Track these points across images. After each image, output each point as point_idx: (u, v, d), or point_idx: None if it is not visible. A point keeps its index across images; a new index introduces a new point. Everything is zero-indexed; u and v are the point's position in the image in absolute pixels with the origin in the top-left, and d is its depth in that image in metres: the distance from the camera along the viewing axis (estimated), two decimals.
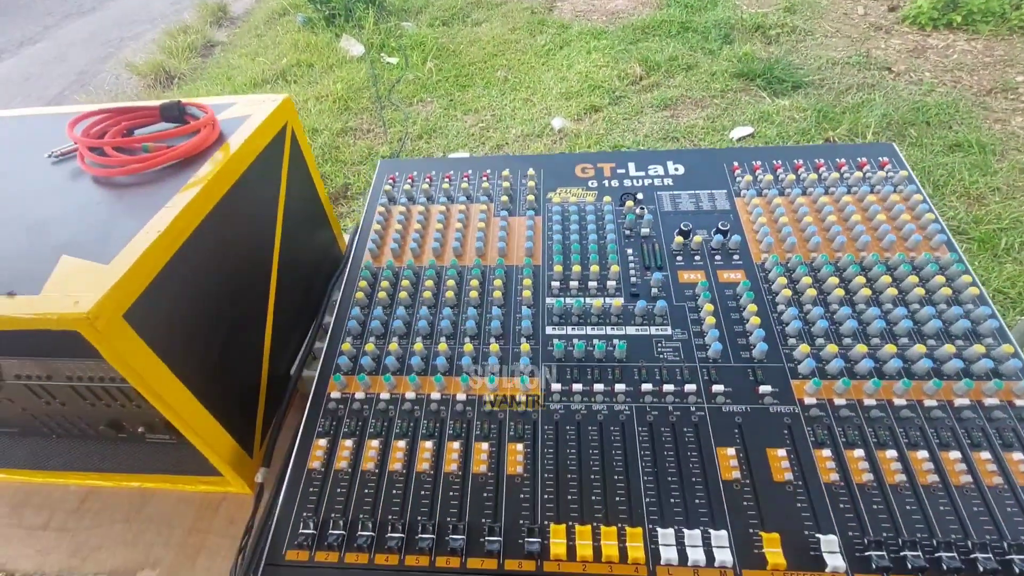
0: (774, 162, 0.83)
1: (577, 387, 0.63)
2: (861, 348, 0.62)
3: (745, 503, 0.54)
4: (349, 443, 0.63)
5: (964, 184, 2.14)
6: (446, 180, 0.89)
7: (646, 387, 0.62)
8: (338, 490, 0.60)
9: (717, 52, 2.99)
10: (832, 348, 0.62)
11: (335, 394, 0.67)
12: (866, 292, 0.66)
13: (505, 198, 0.84)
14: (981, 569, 0.49)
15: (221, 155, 0.70)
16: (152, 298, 0.56)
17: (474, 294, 0.73)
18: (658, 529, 0.53)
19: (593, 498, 0.56)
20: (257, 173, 0.75)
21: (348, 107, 3.01)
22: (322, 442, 0.63)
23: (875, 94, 2.61)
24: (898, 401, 0.59)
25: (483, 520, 0.56)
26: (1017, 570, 0.49)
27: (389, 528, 0.56)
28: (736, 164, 0.84)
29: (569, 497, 0.56)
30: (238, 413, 0.71)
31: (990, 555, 0.50)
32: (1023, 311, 1.72)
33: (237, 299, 0.72)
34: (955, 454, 0.56)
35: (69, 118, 0.78)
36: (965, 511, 0.53)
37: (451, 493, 0.58)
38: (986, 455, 0.55)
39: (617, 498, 0.56)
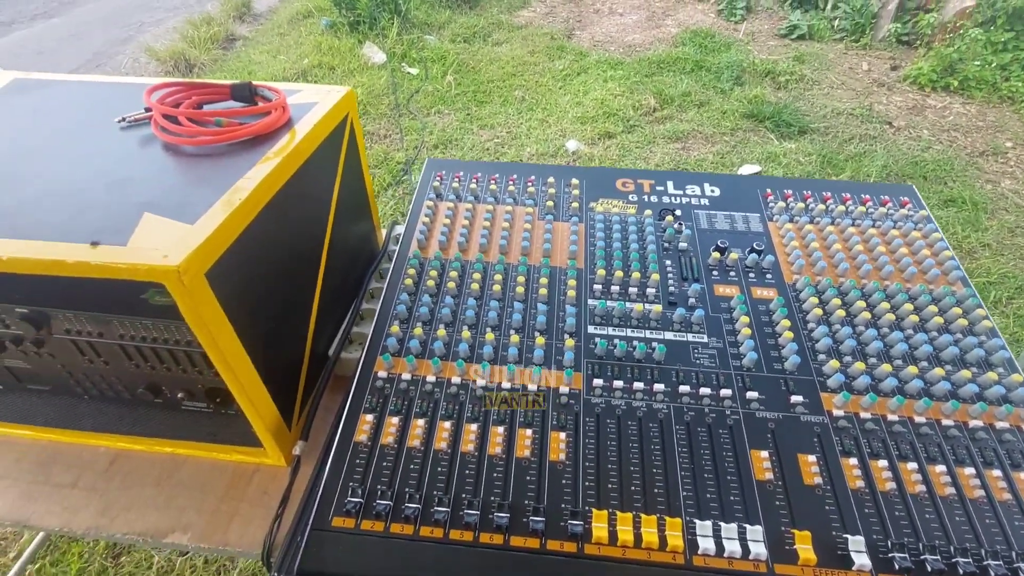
0: (804, 192, 0.89)
1: (618, 384, 0.67)
2: (886, 367, 0.66)
3: (778, 502, 0.58)
4: (395, 420, 0.65)
5: (957, 238, 2.24)
6: (492, 182, 0.93)
7: (683, 389, 0.66)
8: (384, 464, 0.62)
9: (728, 92, 3.11)
10: (860, 365, 0.67)
11: (382, 373, 0.69)
12: (890, 317, 0.71)
13: (550, 203, 0.88)
14: (993, 575, 0.53)
15: (290, 137, 0.74)
16: (229, 262, 0.59)
17: (520, 290, 0.76)
18: (696, 521, 0.56)
19: (632, 488, 0.59)
20: (319, 158, 0.78)
21: (367, 112, 3.06)
22: (369, 417, 0.65)
23: (876, 145, 2.73)
24: (918, 419, 0.63)
25: (526, 501, 0.58)
26: None
27: (435, 502, 0.58)
28: (769, 191, 0.89)
29: (610, 485, 0.59)
30: (283, 386, 0.73)
31: (1000, 562, 0.53)
32: None
33: (292, 276, 0.74)
34: (969, 470, 0.60)
35: (128, 89, 0.81)
36: (978, 522, 0.56)
37: (495, 474, 0.60)
38: (997, 472, 0.60)
39: (656, 489, 0.59)
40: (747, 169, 2.54)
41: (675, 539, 0.55)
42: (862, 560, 0.53)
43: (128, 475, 0.75)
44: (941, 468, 0.60)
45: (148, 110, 0.75)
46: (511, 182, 0.92)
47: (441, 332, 0.72)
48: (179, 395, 0.74)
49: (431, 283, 0.78)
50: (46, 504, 0.73)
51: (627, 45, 3.70)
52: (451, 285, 0.77)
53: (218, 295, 0.57)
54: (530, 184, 0.92)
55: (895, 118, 2.95)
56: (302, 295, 0.78)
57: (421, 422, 0.65)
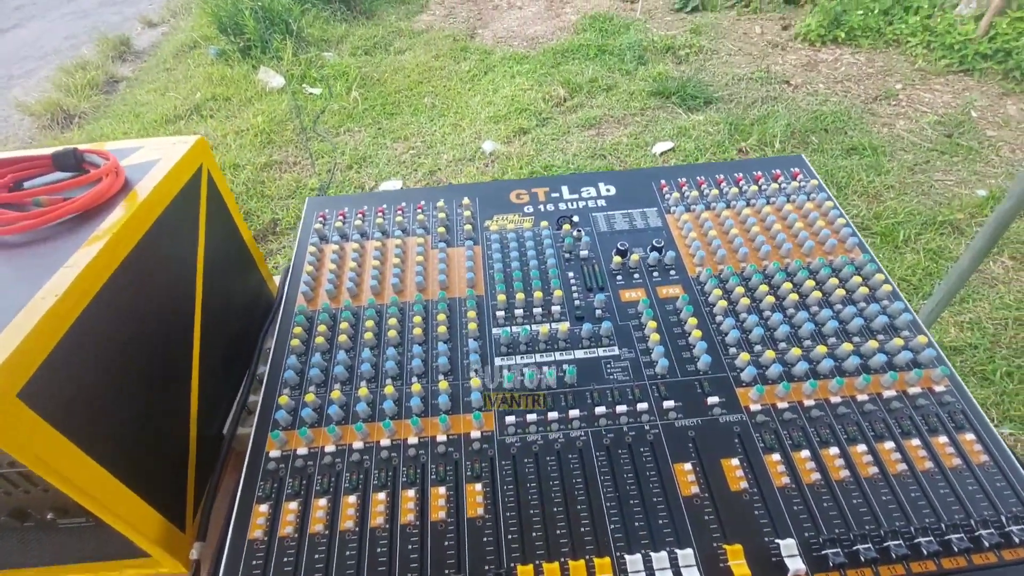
0: (698, 178, 0.87)
1: (531, 417, 0.62)
2: (796, 351, 0.65)
3: (707, 517, 0.55)
4: (293, 505, 0.58)
5: (863, 184, 2.34)
6: (379, 215, 0.86)
7: (600, 410, 0.62)
8: (285, 559, 0.55)
9: (633, 72, 3.14)
10: (770, 354, 0.65)
11: (274, 452, 0.62)
12: (794, 297, 0.70)
13: (442, 229, 0.82)
14: (925, 552, 0.52)
15: (127, 205, 0.65)
16: (52, 372, 0.50)
17: (418, 331, 0.70)
18: (626, 556, 0.52)
19: (558, 532, 0.55)
20: (171, 222, 0.70)
21: (271, 140, 2.91)
22: (263, 508, 0.58)
23: (778, 106, 2.82)
24: (834, 399, 0.62)
25: (446, 572, 0.53)
26: (956, 548, 0.52)
27: None
28: (664, 182, 0.87)
29: (534, 534, 0.55)
30: (165, 484, 0.65)
31: (931, 538, 0.52)
32: (925, 296, 1.88)
33: (155, 359, 0.66)
34: (889, 444, 0.59)
35: None
36: (904, 497, 0.55)
37: (410, 546, 0.55)
38: (915, 442, 0.59)
39: (582, 528, 0.55)
40: (660, 147, 2.57)
41: None
42: (796, 565, 0.51)
43: None
44: (862, 447, 0.59)
45: None
46: (399, 212, 0.86)
47: (336, 394, 0.66)
48: (49, 515, 0.64)
49: (321, 339, 0.71)
50: None
51: (530, 38, 3.68)
52: (343, 338, 0.71)
53: (43, 413, 0.49)
54: (419, 211, 0.86)
55: (792, 76, 3.06)
56: (176, 375, 0.69)
57: (323, 502, 0.58)
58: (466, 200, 0.87)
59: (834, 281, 0.71)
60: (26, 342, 0.48)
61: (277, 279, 0.98)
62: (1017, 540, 0.52)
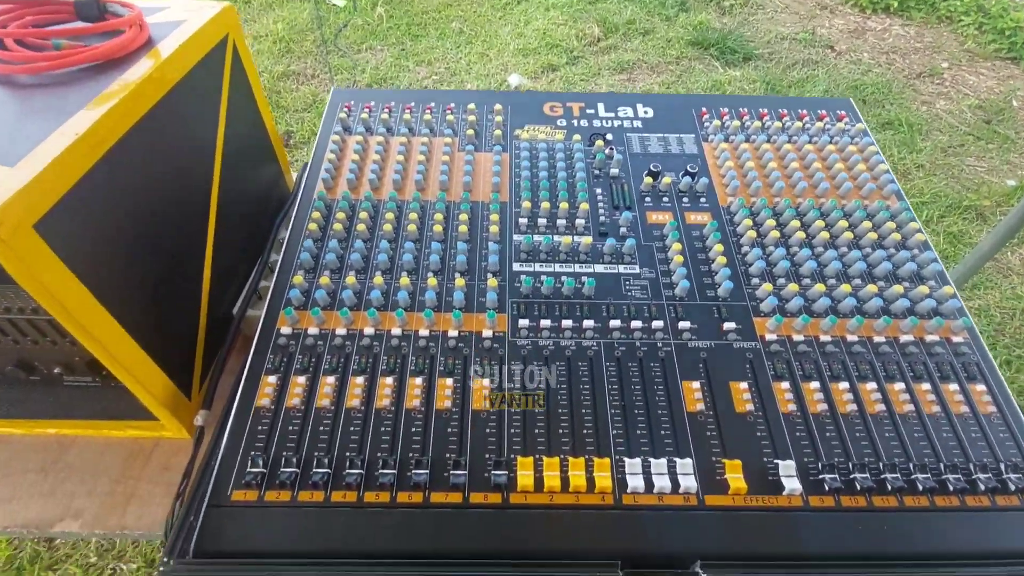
0: (740, 110, 0.83)
1: (545, 323, 0.62)
2: (820, 287, 0.64)
3: (709, 433, 0.55)
4: (302, 380, 0.59)
5: (893, 160, 2.28)
6: (407, 111, 0.83)
7: (614, 323, 0.62)
8: (290, 427, 0.56)
9: (674, 19, 2.99)
10: (793, 287, 0.64)
11: (285, 329, 0.62)
12: (824, 236, 0.68)
13: (471, 132, 0.79)
14: (920, 488, 0.52)
15: (151, 61, 0.62)
16: (70, 210, 0.49)
17: (438, 228, 0.69)
18: (625, 459, 0.53)
19: (561, 431, 0.55)
20: (193, 86, 0.67)
21: (290, 50, 2.80)
22: (271, 379, 0.59)
23: (818, 70, 2.70)
24: (850, 337, 0.62)
25: (447, 455, 0.54)
26: (951, 488, 0.52)
27: (347, 465, 0.53)
28: (704, 110, 0.84)
29: (536, 431, 0.55)
30: (175, 352, 0.65)
31: (928, 475, 0.53)
32: None
33: (172, 227, 0.65)
34: (899, 385, 0.59)
35: None
36: (907, 436, 0.56)
37: (413, 429, 0.56)
38: (926, 386, 0.59)
39: (585, 430, 0.55)
40: None
41: (603, 480, 0.52)
42: (792, 484, 0.52)
43: (7, 463, 0.67)
44: (872, 385, 0.58)
45: None
46: (428, 111, 0.83)
47: (351, 280, 0.65)
48: (56, 370, 0.65)
49: (339, 227, 0.69)
50: None
51: None
52: (361, 228, 0.69)
53: (59, 251, 0.48)
54: (449, 112, 0.83)
55: (837, 42, 2.92)
56: (191, 248, 0.69)
57: (331, 379, 0.59)
58: (498, 107, 0.84)
59: (867, 224, 0.69)
60: (45, 174, 0.46)
61: (295, 175, 0.96)
62: (1013, 487, 0.53)
